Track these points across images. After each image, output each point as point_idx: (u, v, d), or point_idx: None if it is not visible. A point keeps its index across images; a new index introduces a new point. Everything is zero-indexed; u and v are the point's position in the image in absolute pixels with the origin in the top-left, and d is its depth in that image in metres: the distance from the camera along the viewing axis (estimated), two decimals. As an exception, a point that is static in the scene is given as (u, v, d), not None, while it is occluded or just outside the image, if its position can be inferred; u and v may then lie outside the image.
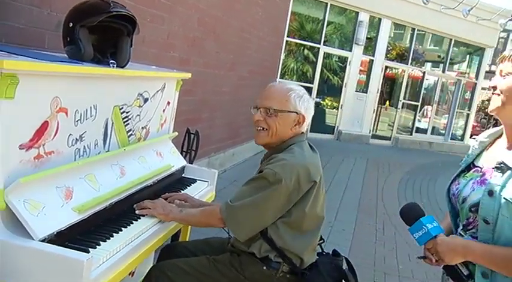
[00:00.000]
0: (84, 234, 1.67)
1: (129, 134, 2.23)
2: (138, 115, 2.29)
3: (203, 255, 2.01)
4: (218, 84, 5.76)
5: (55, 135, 1.64)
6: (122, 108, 2.11)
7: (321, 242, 2.14)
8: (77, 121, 1.77)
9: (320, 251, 2.14)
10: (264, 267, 1.88)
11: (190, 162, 3.77)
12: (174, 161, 2.64)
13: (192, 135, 3.74)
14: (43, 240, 1.45)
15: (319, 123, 12.02)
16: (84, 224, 1.69)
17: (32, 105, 1.50)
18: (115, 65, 1.95)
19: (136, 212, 1.97)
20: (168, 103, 2.68)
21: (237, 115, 6.56)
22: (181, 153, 3.76)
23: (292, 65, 12.09)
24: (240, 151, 7.10)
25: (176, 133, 2.80)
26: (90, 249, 1.57)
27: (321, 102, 12.40)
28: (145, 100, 2.34)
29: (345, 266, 2.01)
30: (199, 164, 5.35)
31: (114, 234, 1.73)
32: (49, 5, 2.49)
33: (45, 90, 1.55)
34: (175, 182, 2.56)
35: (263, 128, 1.97)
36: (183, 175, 2.75)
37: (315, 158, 2.00)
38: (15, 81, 1.38)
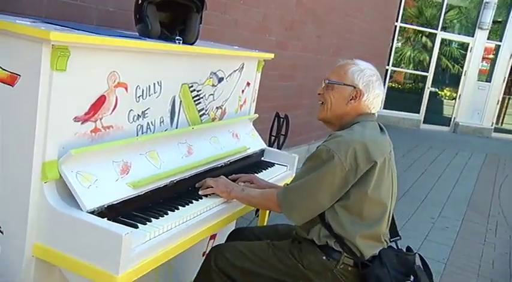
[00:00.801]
0: (140, 210, 1.65)
1: (201, 113, 2.19)
2: (211, 94, 2.23)
3: (265, 240, 1.90)
4: (320, 69, 5.55)
5: (113, 110, 1.64)
6: (192, 86, 2.06)
7: (396, 238, 1.91)
8: (139, 97, 1.75)
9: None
10: (324, 257, 1.71)
11: (279, 147, 3.68)
12: (252, 143, 2.55)
13: (281, 120, 3.63)
14: (92, 212, 1.45)
15: (433, 114, 11.17)
16: (140, 200, 1.67)
17: (87, 79, 1.49)
18: (181, 42, 1.89)
19: (200, 192, 1.92)
20: (248, 84, 2.59)
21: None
22: (269, 138, 3.69)
23: (409, 53, 11.35)
24: (343, 140, 6.83)
25: (257, 115, 2.70)
26: (139, 225, 1.53)
27: (438, 92, 11.49)
28: (220, 79, 2.27)
29: (418, 262, 1.76)
30: (298, 151, 5.22)
31: (169, 212, 1.69)
32: (136, -12, 2.54)
33: (101, 64, 1.54)
34: (251, 165, 2.47)
35: (322, 102, 1.85)
36: (262, 158, 2.65)
37: (378, 137, 1.78)
38: (66, 54, 1.38)
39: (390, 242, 1.92)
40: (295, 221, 1.76)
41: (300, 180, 1.73)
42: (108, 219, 1.51)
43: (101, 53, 1.52)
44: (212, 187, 1.91)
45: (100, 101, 1.57)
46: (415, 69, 11.34)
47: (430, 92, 11.06)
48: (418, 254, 1.81)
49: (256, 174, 2.37)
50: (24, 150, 1.40)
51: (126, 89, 1.67)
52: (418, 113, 10.96)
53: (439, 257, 3.70)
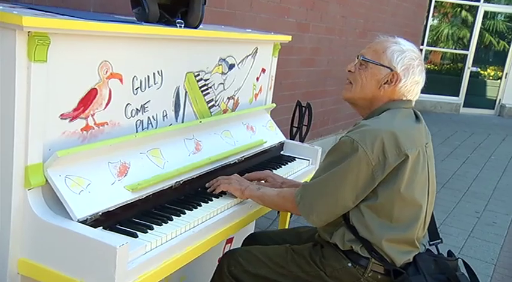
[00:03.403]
0: (141, 217, 1.55)
1: (210, 104, 2.07)
2: (221, 83, 2.12)
3: (284, 244, 1.78)
4: (346, 52, 5.38)
5: (107, 104, 1.54)
6: (198, 75, 1.95)
7: (436, 241, 1.76)
8: (136, 89, 1.64)
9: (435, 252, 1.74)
10: (349, 264, 1.58)
11: (302, 139, 3.54)
12: (270, 136, 2.43)
13: (304, 109, 3.49)
14: (84, 221, 1.35)
15: (475, 96, 10.75)
16: (141, 205, 1.57)
17: (73, 70, 1.39)
18: (182, 25, 1.78)
19: (209, 189, 1.81)
20: (263, 70, 2.46)
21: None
22: (291, 129, 3.55)
23: (446, 30, 10.95)
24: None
25: (274, 105, 2.57)
26: (139, 233, 1.43)
27: (480, 71, 11.05)
28: (231, 66, 2.16)
29: (462, 271, 1.61)
30: (324, 143, 5.07)
31: (174, 217, 1.58)
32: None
33: (89, 53, 1.43)
34: (268, 160, 2.35)
35: (350, 82, 1.70)
36: (281, 152, 2.53)
37: (412, 127, 1.62)
38: (46, 42, 1.28)
39: (430, 245, 1.78)
40: (314, 223, 1.64)
41: (319, 177, 1.60)
42: (104, 228, 1.42)
43: (88, 41, 1.42)
44: (225, 184, 1.81)
45: (90, 95, 1.47)
46: (454, 48, 10.93)
47: (471, 72, 10.66)
48: (462, 260, 1.66)
49: (274, 170, 2.25)
50: (4, 153, 1.31)
51: (121, 80, 1.57)
52: (458, 96, 10.60)
53: (487, 258, 3.50)
